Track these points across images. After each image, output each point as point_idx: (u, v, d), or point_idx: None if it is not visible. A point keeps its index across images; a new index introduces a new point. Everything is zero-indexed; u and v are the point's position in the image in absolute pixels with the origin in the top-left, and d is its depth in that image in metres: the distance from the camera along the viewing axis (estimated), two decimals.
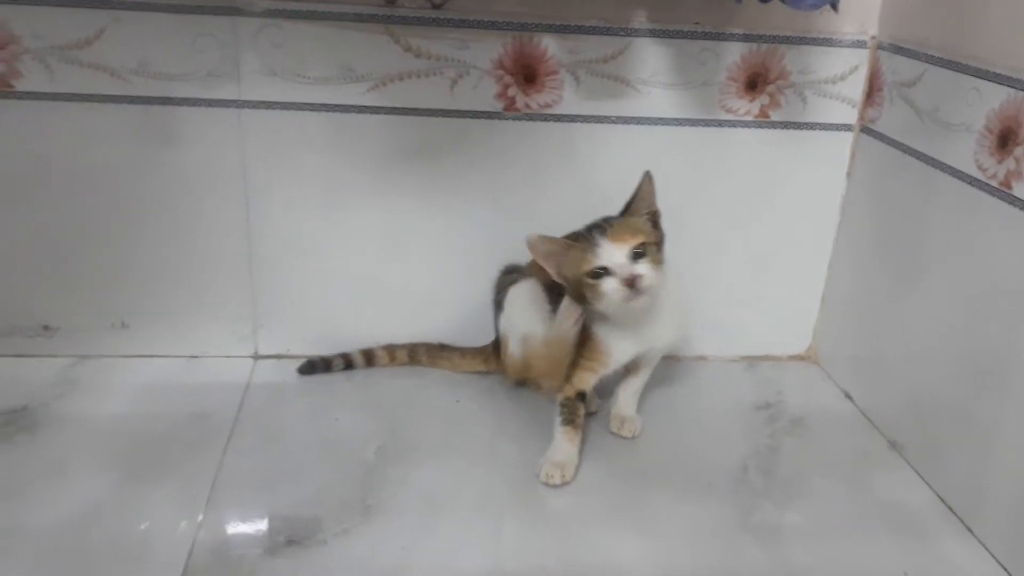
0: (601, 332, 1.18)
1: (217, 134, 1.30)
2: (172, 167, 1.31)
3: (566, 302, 1.17)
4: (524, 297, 1.26)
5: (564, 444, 1.18)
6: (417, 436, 1.26)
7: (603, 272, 1.09)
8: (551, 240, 1.12)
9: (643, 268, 1.08)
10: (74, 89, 1.25)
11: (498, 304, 1.30)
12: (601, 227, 1.11)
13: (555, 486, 1.15)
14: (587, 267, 1.10)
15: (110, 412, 1.27)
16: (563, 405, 1.20)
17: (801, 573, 1.03)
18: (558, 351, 1.20)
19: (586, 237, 1.11)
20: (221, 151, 1.31)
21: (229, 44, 1.25)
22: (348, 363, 1.42)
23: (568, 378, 1.20)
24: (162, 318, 1.40)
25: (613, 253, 1.09)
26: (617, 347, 1.18)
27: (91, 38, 1.23)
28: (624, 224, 1.11)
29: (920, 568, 1.05)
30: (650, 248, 1.10)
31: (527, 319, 1.25)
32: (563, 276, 1.13)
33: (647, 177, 1.12)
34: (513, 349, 1.29)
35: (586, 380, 1.20)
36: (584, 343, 1.19)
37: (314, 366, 1.40)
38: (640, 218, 1.13)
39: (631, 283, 1.08)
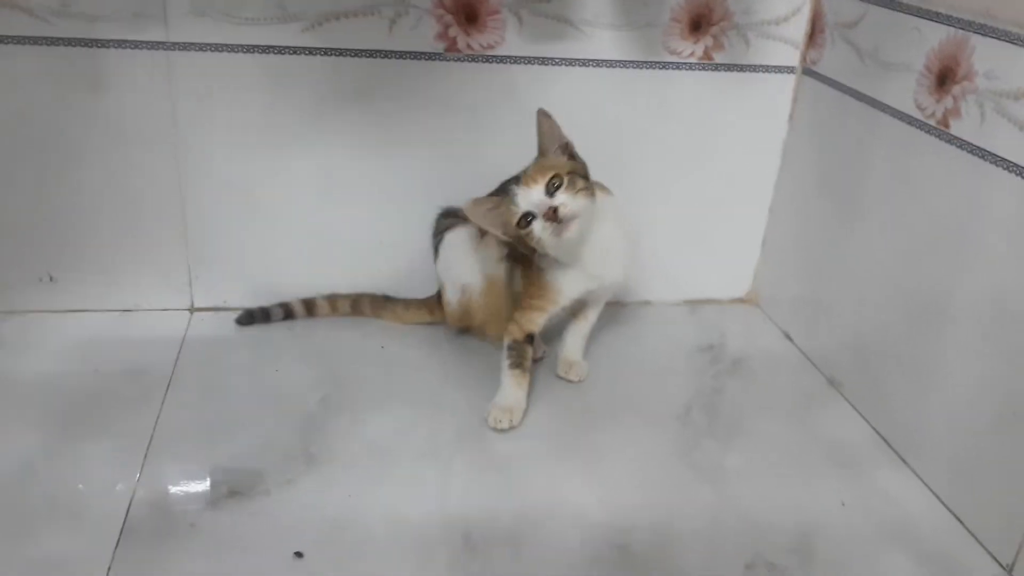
0: (549, 270, 1.17)
1: (145, 78, 1.24)
2: (98, 113, 1.25)
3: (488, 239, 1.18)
4: (460, 243, 1.25)
5: (512, 388, 1.18)
6: (361, 386, 1.24)
7: (531, 217, 1.08)
8: (484, 201, 1.12)
9: (560, 198, 1.08)
10: None
11: (436, 249, 1.29)
12: (517, 177, 1.11)
13: (503, 431, 1.15)
14: (514, 219, 1.09)
15: (39, 370, 1.23)
16: (510, 348, 1.19)
17: (743, 507, 1.05)
18: (496, 297, 1.19)
19: (508, 191, 1.11)
20: (149, 96, 1.26)
21: None
22: (288, 313, 1.39)
23: (516, 320, 1.19)
24: (92, 271, 1.35)
25: (529, 195, 1.08)
26: (566, 284, 1.18)
27: None
28: (535, 166, 1.11)
29: (857, 499, 1.08)
30: (567, 179, 1.09)
31: (464, 267, 1.24)
32: (508, 235, 1.12)
33: (541, 114, 1.11)
34: (450, 296, 1.27)
35: (535, 321, 1.19)
36: (532, 282, 1.19)
37: (252, 316, 1.37)
38: (553, 156, 1.12)
39: (552, 216, 1.07)
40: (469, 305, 1.27)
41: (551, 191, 1.08)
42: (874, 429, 1.21)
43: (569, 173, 1.09)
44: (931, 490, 1.09)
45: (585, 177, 1.12)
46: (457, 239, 1.26)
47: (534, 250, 1.12)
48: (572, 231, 1.09)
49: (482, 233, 1.22)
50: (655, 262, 1.47)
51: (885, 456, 1.16)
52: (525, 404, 1.19)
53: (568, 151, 1.13)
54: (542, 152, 1.13)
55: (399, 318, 1.41)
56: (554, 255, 1.13)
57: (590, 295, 1.24)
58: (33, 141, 1.26)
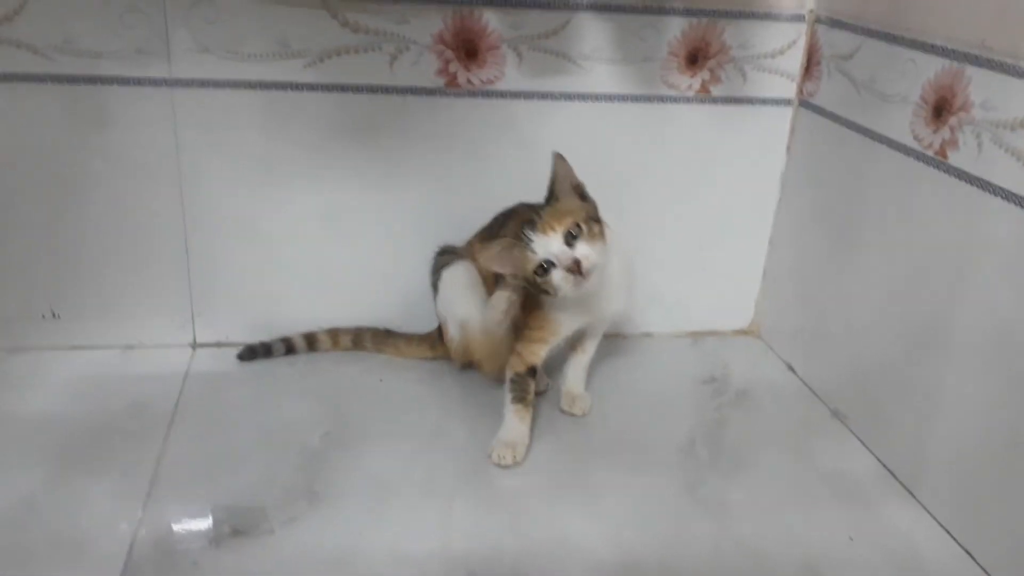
0: (548, 304, 1.17)
1: (148, 114, 1.25)
2: (102, 149, 1.26)
3: (496, 295, 1.17)
4: (458, 280, 1.25)
5: (515, 423, 1.18)
6: (363, 421, 1.24)
7: (549, 265, 1.08)
8: (492, 245, 1.12)
9: (582, 249, 1.07)
10: None
11: (435, 287, 1.29)
12: (531, 222, 1.09)
13: (506, 467, 1.15)
14: (531, 266, 1.08)
15: (41, 406, 1.22)
16: (513, 382, 1.19)
17: (749, 543, 1.04)
18: (494, 338, 1.19)
19: (521, 236, 1.09)
20: (153, 132, 1.27)
21: (158, 20, 1.21)
22: (289, 348, 1.39)
23: (518, 352, 1.19)
24: (95, 307, 1.35)
25: (548, 244, 1.07)
26: (565, 318, 1.18)
27: (10, 14, 1.17)
28: (551, 211, 1.09)
29: (865, 533, 1.07)
30: (584, 226, 1.08)
31: (462, 304, 1.24)
32: (520, 278, 1.12)
33: (557, 157, 1.10)
34: (452, 333, 1.27)
35: (536, 353, 1.19)
36: (533, 314, 1.19)
37: (254, 351, 1.37)
38: (566, 199, 1.11)
39: (575, 269, 1.07)
40: (468, 341, 1.27)
41: (570, 240, 1.07)
42: (879, 460, 1.21)
43: (585, 220, 1.09)
44: (939, 522, 1.09)
45: (598, 220, 1.12)
46: (455, 276, 1.25)
47: (546, 292, 1.11)
48: (592, 281, 1.09)
49: (493, 279, 1.22)
50: (656, 294, 1.47)
51: (891, 488, 1.16)
52: (528, 439, 1.18)
53: (580, 192, 1.13)
54: (554, 195, 1.11)
55: (400, 352, 1.40)
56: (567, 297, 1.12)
57: (590, 326, 1.24)
58: (37, 177, 1.26)
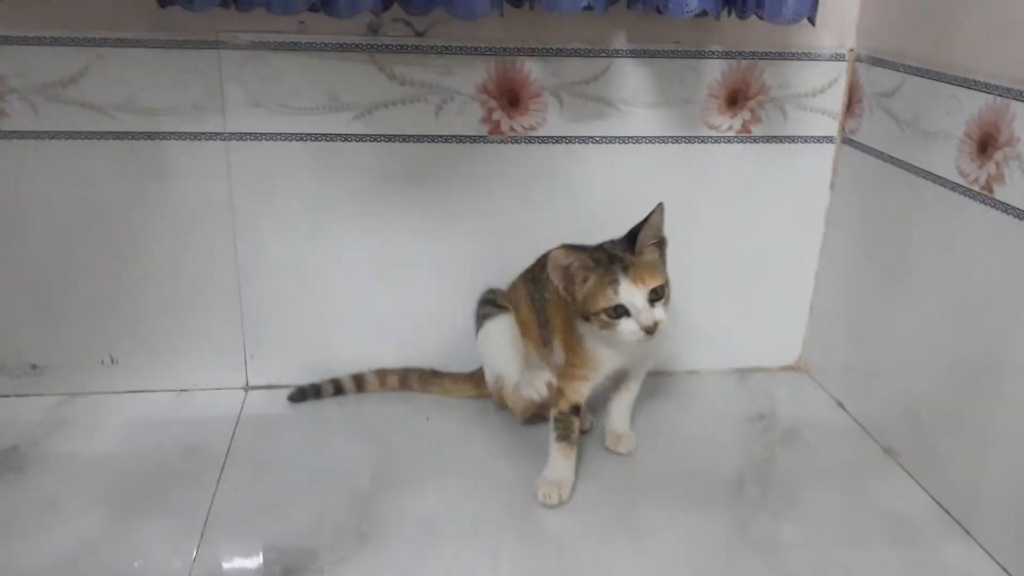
0: (588, 338, 1.17)
1: (204, 167, 1.30)
2: (159, 201, 1.31)
3: (537, 374, 1.18)
4: (497, 335, 1.27)
5: (560, 461, 1.18)
6: (411, 462, 1.25)
7: (622, 311, 1.09)
8: (574, 254, 1.11)
9: (661, 313, 1.09)
10: (59, 127, 1.26)
11: (477, 329, 1.30)
12: (623, 263, 1.10)
13: (552, 506, 1.15)
14: (606, 304, 1.09)
15: (100, 449, 1.26)
16: (557, 420, 1.19)
17: None
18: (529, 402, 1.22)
19: (606, 269, 1.10)
20: (208, 183, 1.31)
21: (213, 77, 1.26)
22: (338, 388, 1.41)
23: (561, 390, 1.20)
24: (151, 352, 1.39)
25: (635, 295, 1.09)
26: (606, 356, 1.18)
27: (75, 75, 1.24)
28: (646, 264, 1.11)
29: (920, 572, 1.05)
30: (666, 291, 1.11)
31: (500, 360, 1.26)
32: (570, 293, 1.13)
33: (659, 208, 1.12)
34: (488, 380, 1.29)
35: (579, 391, 1.20)
36: (573, 350, 1.19)
37: (304, 393, 1.40)
38: (648, 251, 1.13)
39: (652, 330, 1.08)
40: (504, 394, 1.29)
41: (652, 299, 1.09)
42: (933, 499, 1.18)
43: (667, 284, 1.11)
44: (996, 561, 1.06)
45: (669, 285, 1.13)
46: (494, 330, 1.27)
47: (587, 319, 1.12)
48: (654, 341, 1.11)
49: (537, 323, 1.23)
50: (702, 331, 1.47)
51: (946, 527, 1.13)
52: (573, 477, 1.18)
53: (661, 247, 1.15)
54: (637, 239, 1.12)
55: (447, 391, 1.42)
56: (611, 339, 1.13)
57: (631, 366, 1.24)
58: (98, 228, 1.32)
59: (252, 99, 1.28)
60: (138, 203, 1.31)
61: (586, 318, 1.12)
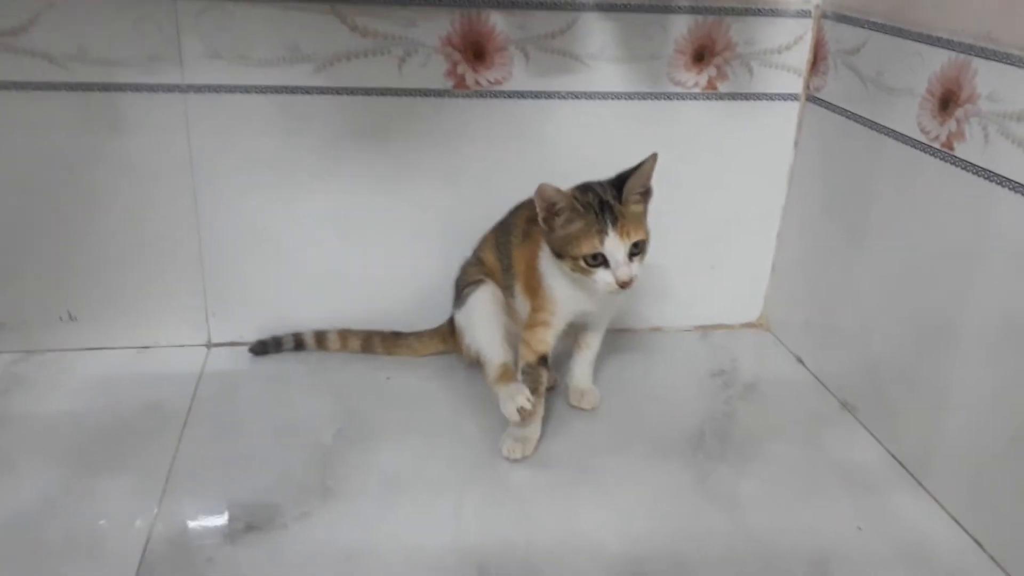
0: (550, 280, 1.17)
1: (162, 120, 1.27)
2: (117, 155, 1.28)
3: (515, 388, 1.16)
4: (482, 308, 1.26)
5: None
6: (375, 418, 1.25)
7: (601, 259, 1.09)
8: (561, 193, 1.09)
9: (637, 269, 1.09)
10: (10, 77, 1.22)
11: (457, 299, 1.30)
12: (613, 212, 1.09)
13: (517, 460, 1.16)
14: (590, 250, 1.08)
15: (59, 407, 1.25)
16: (524, 373, 1.19)
17: (759, 534, 1.05)
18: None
19: (596, 217, 1.08)
20: (167, 137, 1.28)
21: (170, 27, 1.23)
22: (299, 343, 1.41)
23: (526, 341, 1.20)
24: (111, 309, 1.37)
25: (618, 248, 1.08)
26: (567, 297, 1.17)
27: (25, 24, 1.20)
28: (633, 216, 1.11)
29: (874, 523, 1.08)
30: (646, 245, 1.11)
31: (482, 338, 1.25)
32: (549, 225, 1.11)
33: (652, 158, 1.11)
34: (468, 342, 1.28)
35: (544, 340, 1.19)
36: (535, 293, 1.19)
37: (265, 345, 1.40)
38: (633, 201, 1.12)
39: (625, 284, 1.08)
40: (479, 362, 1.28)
41: (633, 253, 1.09)
42: (889, 452, 1.21)
43: (647, 240, 1.11)
44: (948, 512, 1.09)
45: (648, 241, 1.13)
46: (478, 304, 1.26)
47: (560, 256, 1.11)
48: (622, 294, 1.11)
49: (524, 277, 1.22)
50: (665, 288, 1.48)
51: (901, 479, 1.16)
52: (539, 432, 1.19)
53: (646, 198, 1.14)
54: (625, 184, 1.11)
55: (415, 352, 1.41)
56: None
57: (591, 314, 1.23)
58: (53, 183, 1.29)
59: (210, 50, 1.25)
60: (95, 157, 1.28)
61: (560, 255, 1.12)
